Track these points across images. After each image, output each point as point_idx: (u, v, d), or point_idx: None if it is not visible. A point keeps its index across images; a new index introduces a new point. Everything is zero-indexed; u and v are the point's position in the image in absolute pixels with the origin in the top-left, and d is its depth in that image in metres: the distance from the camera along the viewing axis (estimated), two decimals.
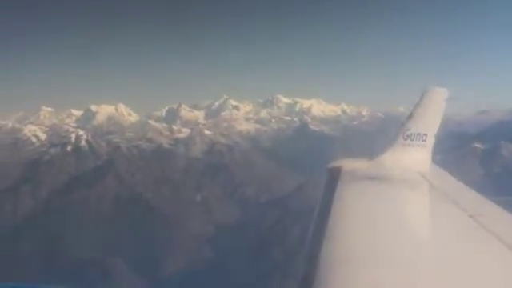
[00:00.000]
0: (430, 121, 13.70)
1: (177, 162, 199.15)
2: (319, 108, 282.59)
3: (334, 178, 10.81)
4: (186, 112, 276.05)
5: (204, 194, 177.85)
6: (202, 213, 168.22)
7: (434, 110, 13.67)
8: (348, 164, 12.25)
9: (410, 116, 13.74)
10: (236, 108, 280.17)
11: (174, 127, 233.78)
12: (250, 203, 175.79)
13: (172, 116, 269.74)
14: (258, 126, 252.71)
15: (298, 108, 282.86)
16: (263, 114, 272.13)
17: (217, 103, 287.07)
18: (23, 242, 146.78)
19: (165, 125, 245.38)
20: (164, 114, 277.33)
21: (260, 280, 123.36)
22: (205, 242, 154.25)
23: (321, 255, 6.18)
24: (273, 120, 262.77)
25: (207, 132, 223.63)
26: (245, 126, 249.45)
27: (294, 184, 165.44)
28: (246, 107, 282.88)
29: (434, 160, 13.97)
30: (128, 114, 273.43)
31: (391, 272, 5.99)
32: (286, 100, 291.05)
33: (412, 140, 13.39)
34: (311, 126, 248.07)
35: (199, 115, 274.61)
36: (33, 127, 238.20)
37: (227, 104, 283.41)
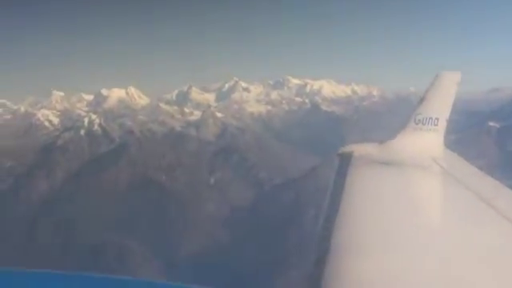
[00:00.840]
0: (442, 105, 13.55)
1: (189, 144, 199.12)
2: (330, 89, 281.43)
3: (345, 163, 10.74)
4: (196, 94, 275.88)
5: (217, 177, 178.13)
6: (216, 195, 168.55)
7: (446, 94, 13.51)
8: (359, 149, 12.14)
9: (422, 100, 13.60)
10: (246, 90, 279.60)
11: (186, 110, 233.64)
12: (264, 185, 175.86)
13: (182, 99, 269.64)
14: (269, 107, 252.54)
15: (308, 89, 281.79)
16: (274, 95, 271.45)
17: (227, 85, 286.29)
18: (38, 227, 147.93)
19: (176, 108, 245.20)
20: (174, 96, 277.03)
21: (275, 262, 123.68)
22: (219, 225, 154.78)
23: (332, 241, 6.18)
24: (284, 101, 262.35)
25: (219, 114, 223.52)
26: (256, 108, 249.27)
27: (308, 166, 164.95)
28: (256, 89, 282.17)
29: (448, 139, 13.86)
30: (139, 97, 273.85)
31: (402, 258, 5.99)
32: (296, 81, 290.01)
33: (424, 124, 13.26)
34: (323, 107, 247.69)
35: (210, 98, 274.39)
36: (46, 112, 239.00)
37: (237, 86, 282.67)
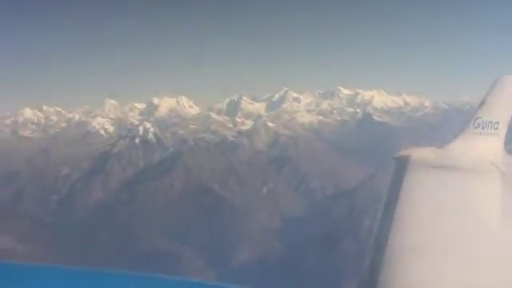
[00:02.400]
0: (502, 109, 13.23)
1: (241, 154, 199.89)
2: (381, 99, 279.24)
3: (402, 166, 10.58)
4: (246, 104, 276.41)
5: (270, 186, 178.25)
6: (269, 205, 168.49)
7: (507, 98, 13.25)
8: (416, 152, 11.91)
9: (481, 103, 13.33)
10: (297, 100, 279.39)
11: (238, 119, 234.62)
12: (317, 196, 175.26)
13: (233, 108, 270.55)
14: (320, 117, 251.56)
15: (359, 99, 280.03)
16: (324, 105, 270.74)
17: (277, 95, 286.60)
18: (94, 233, 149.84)
19: (226, 117, 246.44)
20: (225, 106, 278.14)
21: (329, 272, 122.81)
22: (273, 234, 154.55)
23: (388, 243, 6.15)
24: (335, 111, 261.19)
25: (270, 124, 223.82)
26: (307, 118, 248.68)
27: (362, 176, 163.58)
28: (306, 99, 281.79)
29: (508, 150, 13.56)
30: (189, 107, 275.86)
31: (457, 262, 5.98)
32: (346, 91, 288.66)
33: (483, 128, 12.93)
34: (375, 117, 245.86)
35: (260, 107, 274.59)
36: (101, 120, 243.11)
37: (287, 96, 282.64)
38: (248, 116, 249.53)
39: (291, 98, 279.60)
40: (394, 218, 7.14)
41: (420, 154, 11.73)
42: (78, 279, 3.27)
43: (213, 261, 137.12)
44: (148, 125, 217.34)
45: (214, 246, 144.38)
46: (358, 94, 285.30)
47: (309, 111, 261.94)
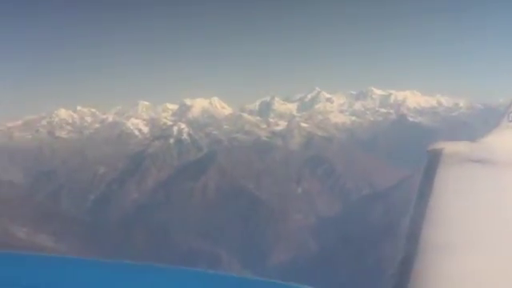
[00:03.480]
0: None
1: (275, 154, 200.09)
2: (414, 99, 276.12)
3: (436, 160, 10.31)
4: (279, 105, 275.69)
5: (305, 187, 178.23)
6: (304, 205, 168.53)
7: None
8: (450, 146, 11.62)
9: None
10: (329, 100, 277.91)
11: (271, 120, 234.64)
12: (352, 196, 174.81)
13: (265, 109, 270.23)
14: (353, 118, 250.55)
15: (392, 100, 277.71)
16: (357, 106, 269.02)
17: (309, 95, 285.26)
18: (131, 233, 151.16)
19: (258, 118, 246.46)
20: (257, 107, 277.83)
21: (365, 273, 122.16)
22: (308, 234, 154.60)
23: (421, 238, 5.96)
24: (368, 112, 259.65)
25: (304, 124, 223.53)
26: (340, 119, 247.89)
27: (397, 177, 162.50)
28: (338, 99, 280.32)
29: None
30: (222, 107, 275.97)
31: (491, 259, 5.71)
32: (379, 92, 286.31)
33: None
34: (409, 118, 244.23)
35: (292, 108, 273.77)
36: (135, 120, 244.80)
37: (320, 96, 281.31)
38: (280, 116, 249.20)
39: (324, 99, 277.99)
40: (426, 212, 7.05)
41: (454, 147, 11.56)
42: (109, 271, 3.32)
43: (249, 261, 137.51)
44: (182, 125, 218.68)
45: (250, 247, 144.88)
46: (390, 94, 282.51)
47: (341, 112, 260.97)
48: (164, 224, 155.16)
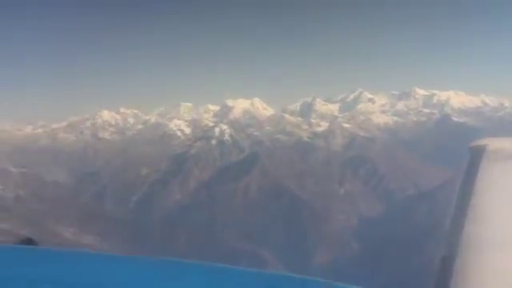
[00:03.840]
0: None
1: (317, 155, 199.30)
2: (458, 99, 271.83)
3: (478, 156, 9.56)
4: (320, 105, 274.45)
5: (347, 187, 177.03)
6: (347, 206, 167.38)
7: None
8: (494, 142, 10.81)
9: None
10: (371, 101, 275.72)
11: (313, 121, 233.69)
12: (395, 197, 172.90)
13: (307, 110, 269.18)
14: (396, 118, 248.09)
15: (435, 100, 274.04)
16: (400, 106, 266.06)
17: (351, 96, 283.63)
18: (173, 233, 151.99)
19: (300, 118, 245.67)
20: (298, 107, 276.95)
21: (409, 273, 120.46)
22: (351, 235, 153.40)
23: (463, 236, 5.30)
24: (411, 112, 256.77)
25: (346, 125, 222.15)
26: (382, 119, 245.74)
27: (442, 177, 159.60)
28: (381, 100, 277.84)
29: None
30: (263, 108, 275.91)
31: None
32: (422, 92, 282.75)
33: None
34: (454, 118, 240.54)
35: (334, 109, 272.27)
36: (178, 122, 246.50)
37: (362, 97, 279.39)
38: (322, 117, 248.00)
39: (366, 99, 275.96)
40: (468, 209, 6.57)
41: (498, 144, 10.92)
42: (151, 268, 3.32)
43: (292, 261, 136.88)
44: (224, 126, 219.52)
45: (293, 247, 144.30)
46: (434, 94, 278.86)
47: (384, 112, 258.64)
48: (207, 225, 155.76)
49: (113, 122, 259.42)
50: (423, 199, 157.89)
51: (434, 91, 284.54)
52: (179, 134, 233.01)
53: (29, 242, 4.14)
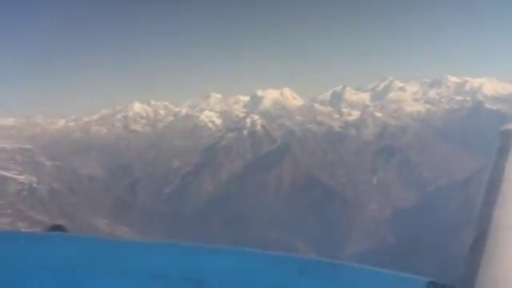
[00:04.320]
0: None
1: (349, 144, 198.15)
2: (491, 86, 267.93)
3: (508, 140, 9.17)
4: (350, 95, 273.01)
5: (380, 177, 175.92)
6: (379, 195, 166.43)
7: None
8: None
9: None
10: (402, 89, 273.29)
11: (344, 110, 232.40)
12: (428, 186, 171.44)
13: (337, 99, 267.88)
14: (428, 106, 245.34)
15: (467, 87, 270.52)
16: (432, 94, 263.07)
17: (382, 85, 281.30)
18: (207, 225, 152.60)
19: (330, 108, 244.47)
20: (328, 97, 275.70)
21: (443, 264, 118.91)
22: (385, 225, 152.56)
23: (493, 220, 4.99)
24: (443, 100, 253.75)
25: (378, 114, 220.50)
26: (414, 107, 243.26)
27: (475, 165, 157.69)
28: (412, 88, 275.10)
29: None
30: (293, 98, 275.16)
31: None
32: (454, 79, 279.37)
33: None
34: (487, 105, 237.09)
35: (364, 97, 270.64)
36: (209, 113, 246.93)
37: (393, 85, 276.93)
38: (353, 106, 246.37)
39: (396, 88, 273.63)
40: (499, 193, 6.36)
41: None
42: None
43: (325, 252, 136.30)
44: (256, 117, 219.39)
45: (326, 237, 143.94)
46: (466, 81, 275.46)
47: (415, 100, 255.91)
48: (239, 216, 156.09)
49: (144, 114, 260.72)
50: (456, 188, 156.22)
51: (467, 78, 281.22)
52: (210, 125, 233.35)
53: (58, 228, 4.09)
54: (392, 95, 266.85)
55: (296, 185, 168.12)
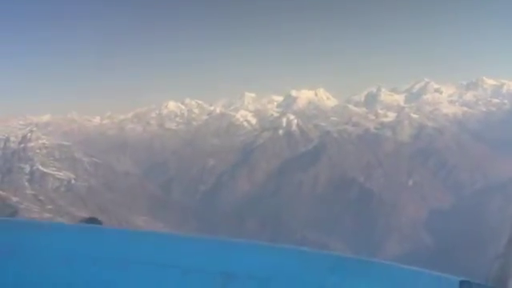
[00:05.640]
0: None
1: (385, 146, 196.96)
2: None
3: None
4: (385, 96, 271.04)
5: (416, 179, 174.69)
6: (416, 197, 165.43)
7: None
8: None
9: None
10: (438, 91, 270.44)
11: (379, 111, 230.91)
12: (465, 189, 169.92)
13: (371, 100, 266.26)
14: (464, 108, 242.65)
15: (504, 90, 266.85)
16: (468, 96, 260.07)
17: (417, 86, 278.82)
18: (242, 223, 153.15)
19: (364, 109, 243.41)
20: (363, 98, 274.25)
21: (480, 267, 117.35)
22: (422, 227, 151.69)
23: None
24: (480, 102, 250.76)
25: (414, 115, 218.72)
26: (450, 109, 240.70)
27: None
28: (448, 90, 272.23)
29: None
30: (327, 99, 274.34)
31: None
32: (491, 81, 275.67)
33: None
34: None
35: (399, 99, 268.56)
36: (244, 112, 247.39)
37: (428, 87, 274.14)
38: (388, 108, 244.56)
39: (432, 89, 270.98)
40: None
41: None
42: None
43: (362, 252, 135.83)
44: (291, 116, 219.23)
45: (363, 238, 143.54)
46: (503, 84, 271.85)
47: (451, 102, 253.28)
48: (275, 215, 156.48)
49: (178, 113, 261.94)
50: (493, 191, 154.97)
51: (504, 81, 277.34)
52: (246, 124, 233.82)
53: (93, 221, 4.28)
54: (428, 97, 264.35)
55: (332, 185, 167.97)
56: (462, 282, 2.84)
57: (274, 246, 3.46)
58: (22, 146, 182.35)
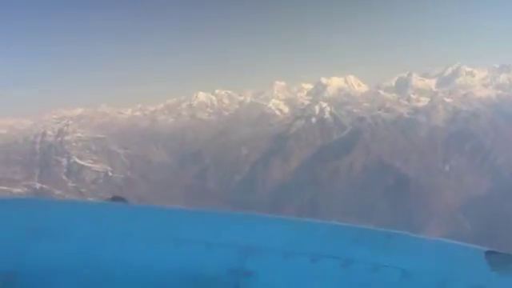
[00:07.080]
0: None
1: (420, 131, 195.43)
2: None
3: None
4: (416, 81, 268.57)
5: (453, 164, 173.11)
6: (453, 183, 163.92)
7: None
8: None
9: None
10: (470, 74, 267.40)
11: (412, 96, 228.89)
12: (503, 172, 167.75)
13: (403, 85, 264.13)
14: (498, 91, 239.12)
15: None
16: (502, 79, 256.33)
17: (450, 69, 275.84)
18: (277, 212, 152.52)
19: (395, 94, 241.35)
20: (394, 83, 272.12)
21: None
22: (460, 212, 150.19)
23: None
24: None
25: (447, 100, 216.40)
26: (484, 93, 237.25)
27: None
28: (480, 73, 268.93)
29: None
30: (358, 85, 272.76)
31: None
32: None
33: None
34: None
35: (431, 83, 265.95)
36: (276, 101, 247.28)
37: (460, 71, 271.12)
38: (420, 92, 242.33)
39: (464, 73, 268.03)
40: None
41: None
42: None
43: None
44: (324, 104, 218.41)
45: (400, 224, 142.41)
46: None
47: (485, 85, 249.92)
48: (310, 203, 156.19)
49: (209, 103, 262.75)
50: None
51: None
52: (278, 112, 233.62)
53: (118, 199, 4.18)
54: (460, 80, 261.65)
55: (368, 171, 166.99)
56: (488, 252, 2.78)
57: (297, 219, 3.51)
58: (59, 139, 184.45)
